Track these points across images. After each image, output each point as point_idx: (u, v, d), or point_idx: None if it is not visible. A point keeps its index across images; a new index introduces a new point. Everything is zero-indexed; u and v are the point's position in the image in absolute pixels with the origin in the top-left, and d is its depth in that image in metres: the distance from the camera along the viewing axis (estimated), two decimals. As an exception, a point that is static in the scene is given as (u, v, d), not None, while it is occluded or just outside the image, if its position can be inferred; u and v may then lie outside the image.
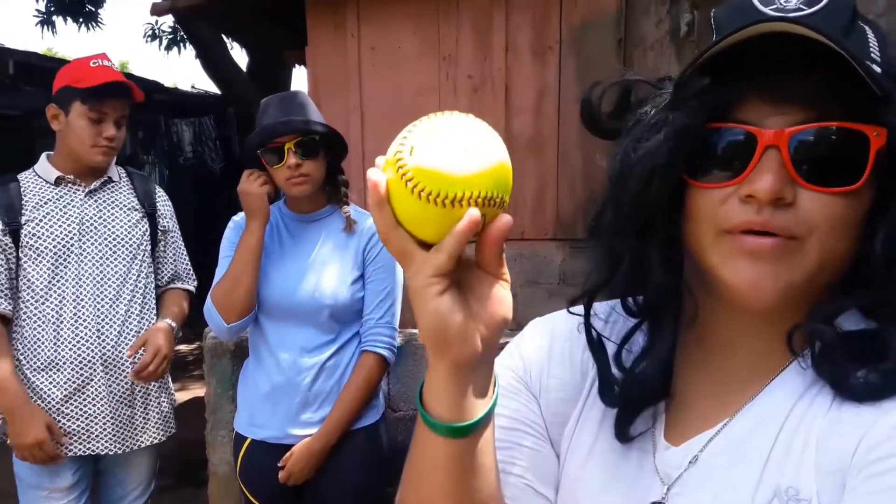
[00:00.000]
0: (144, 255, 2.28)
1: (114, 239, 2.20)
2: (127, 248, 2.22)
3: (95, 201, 2.21)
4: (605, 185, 0.69)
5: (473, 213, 0.52)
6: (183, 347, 7.16)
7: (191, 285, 2.46)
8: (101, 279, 2.15)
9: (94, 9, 9.49)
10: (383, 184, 0.54)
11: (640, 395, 0.69)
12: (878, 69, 0.59)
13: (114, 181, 2.27)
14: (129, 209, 2.27)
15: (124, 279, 2.19)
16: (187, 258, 2.46)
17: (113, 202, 2.24)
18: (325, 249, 1.94)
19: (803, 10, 0.61)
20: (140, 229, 2.28)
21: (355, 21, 3.47)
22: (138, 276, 2.24)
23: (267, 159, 1.87)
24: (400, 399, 2.48)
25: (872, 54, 0.61)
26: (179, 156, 7.09)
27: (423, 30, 3.43)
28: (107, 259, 2.17)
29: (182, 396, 5.80)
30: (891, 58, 0.63)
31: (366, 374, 1.87)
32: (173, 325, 2.23)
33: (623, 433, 0.70)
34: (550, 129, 3.38)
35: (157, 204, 2.37)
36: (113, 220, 2.22)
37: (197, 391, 5.62)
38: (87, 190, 2.18)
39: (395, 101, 3.47)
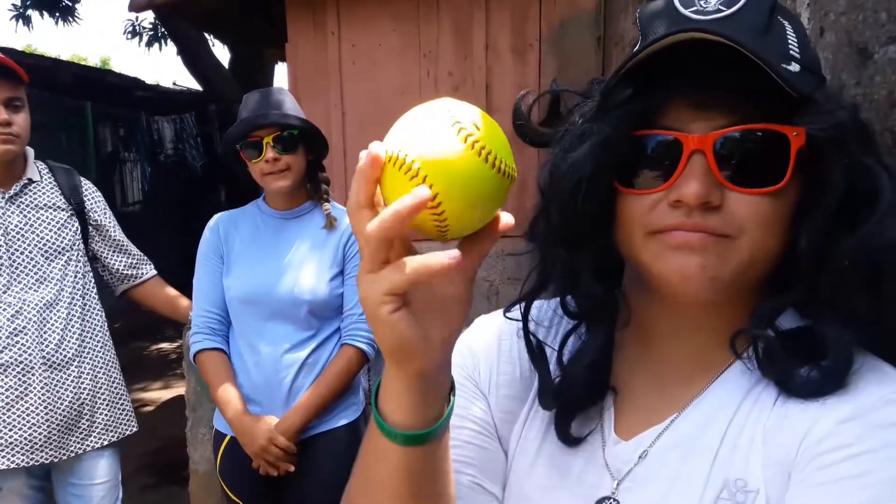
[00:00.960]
0: (79, 254, 2.19)
1: (44, 244, 2.11)
2: (59, 251, 2.13)
3: (18, 206, 2.09)
4: (536, 194, 0.71)
5: (422, 191, 0.48)
6: (165, 345, 7.13)
7: (153, 270, 2.42)
8: (37, 285, 2.07)
9: (70, 3, 9.41)
10: (383, 156, 0.51)
11: (575, 397, 0.70)
12: (796, 66, 0.61)
13: (34, 181, 2.14)
14: (55, 209, 2.16)
15: (61, 282, 2.11)
16: (133, 246, 2.39)
17: (37, 204, 2.12)
18: (304, 246, 1.94)
19: (722, 10, 0.62)
20: (70, 229, 2.18)
21: (335, 18, 3.47)
22: (75, 276, 2.16)
23: (246, 153, 1.88)
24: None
25: (791, 51, 0.62)
26: (161, 153, 7.05)
27: (403, 27, 3.43)
28: (40, 265, 2.08)
29: (164, 395, 5.78)
30: (811, 52, 0.64)
31: (344, 364, 1.89)
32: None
33: (565, 435, 0.70)
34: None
35: (85, 199, 2.25)
36: (40, 225, 2.12)
37: (179, 389, 5.59)
38: (7, 196, 2.07)
39: (376, 98, 3.47)
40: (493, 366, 0.77)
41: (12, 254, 2.05)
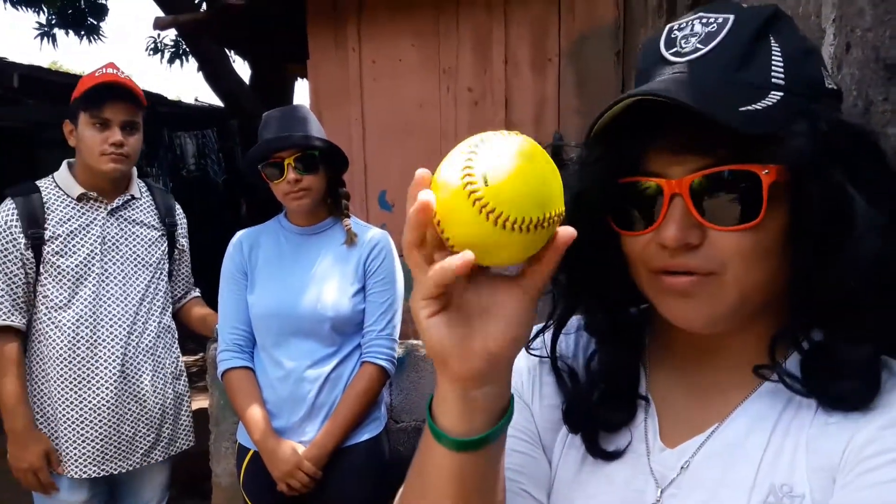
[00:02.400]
0: (162, 273, 2.27)
1: (135, 259, 2.19)
2: (146, 268, 2.21)
3: (117, 220, 2.18)
4: None
5: (467, 255, 0.51)
6: (187, 359, 7.17)
7: (198, 292, 2.49)
8: (122, 298, 2.14)
9: (95, 21, 9.57)
10: (433, 203, 0.52)
11: (604, 417, 0.73)
12: (775, 95, 0.62)
13: (136, 198, 2.24)
14: (149, 227, 2.25)
15: (143, 298, 2.19)
16: (191, 272, 2.48)
17: (134, 220, 2.22)
18: (326, 262, 1.95)
19: (700, 49, 0.64)
20: (160, 248, 2.27)
21: (356, 35, 3.51)
22: (156, 293, 2.23)
23: (267, 174, 1.89)
24: (402, 410, 2.49)
25: (774, 77, 0.63)
26: (183, 168, 7.13)
27: (423, 43, 3.46)
28: (128, 278, 2.16)
29: (185, 408, 5.81)
30: (806, 71, 0.65)
31: (365, 384, 1.89)
32: None
33: (599, 453, 0.72)
34: (550, 140, 3.40)
35: (177, 222, 2.35)
36: (134, 240, 2.21)
37: (201, 402, 5.63)
38: (109, 208, 2.16)
39: (396, 113, 3.50)
40: (536, 376, 0.79)
41: (105, 263, 2.13)
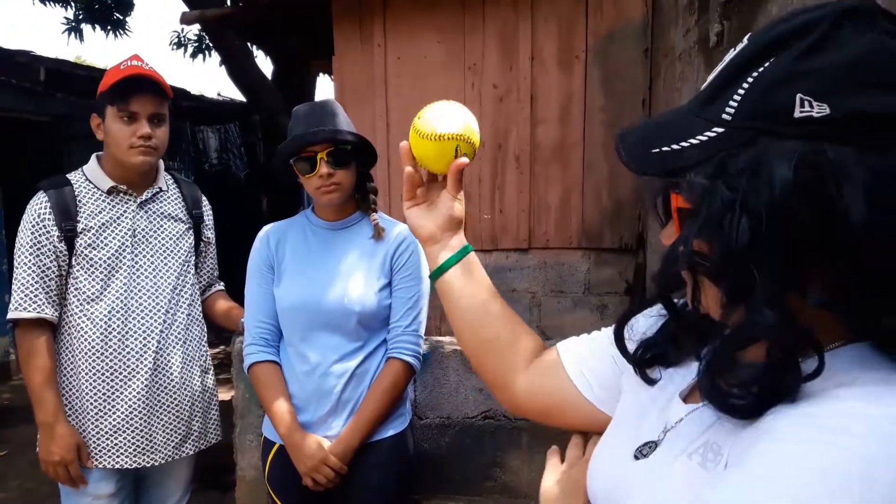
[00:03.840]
0: (189, 265, 2.28)
1: (164, 251, 2.20)
2: (175, 260, 2.22)
3: (146, 213, 2.19)
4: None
5: (403, 145, 1.04)
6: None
7: (222, 285, 2.50)
8: (153, 290, 2.15)
9: (121, 17, 9.65)
10: (406, 145, 1.03)
11: (660, 356, 0.89)
12: (715, 131, 0.66)
13: (163, 191, 2.25)
14: (177, 220, 2.26)
15: (172, 290, 2.19)
16: (217, 265, 2.49)
17: (163, 213, 2.23)
18: (353, 257, 1.94)
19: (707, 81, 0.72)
20: (187, 241, 2.28)
21: (381, 31, 3.50)
22: (184, 286, 2.24)
23: (299, 168, 1.87)
24: (426, 407, 2.48)
25: (725, 114, 0.65)
26: (205, 162, 7.16)
27: (448, 40, 3.45)
28: (158, 270, 2.17)
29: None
30: (759, 105, 0.63)
31: (391, 379, 1.89)
32: None
33: (643, 376, 0.89)
34: (576, 138, 3.39)
35: (204, 214, 2.36)
36: (163, 233, 2.21)
37: (222, 395, 5.65)
38: (139, 201, 2.17)
39: (421, 109, 3.49)
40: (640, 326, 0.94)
41: (136, 256, 2.14)
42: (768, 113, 0.62)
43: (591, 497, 0.88)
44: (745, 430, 0.66)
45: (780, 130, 0.62)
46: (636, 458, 0.80)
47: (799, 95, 0.60)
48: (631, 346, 0.90)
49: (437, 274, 1.06)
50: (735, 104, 0.64)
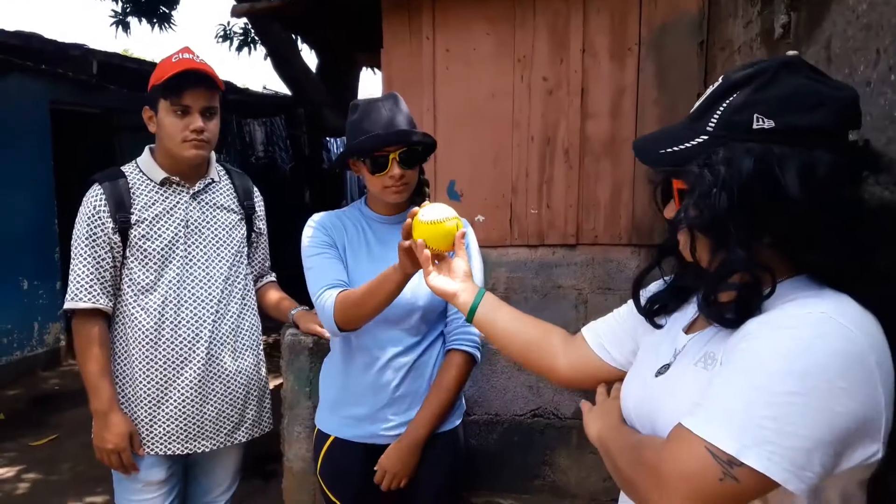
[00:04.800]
0: (242, 256, 2.29)
1: (216, 242, 2.22)
2: (228, 250, 2.24)
3: (199, 203, 2.21)
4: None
5: (419, 242, 1.48)
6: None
7: (273, 276, 2.51)
8: (205, 280, 2.18)
9: (167, 10, 9.78)
10: (421, 241, 1.48)
11: (664, 307, 1.26)
12: (701, 138, 1.02)
13: (215, 182, 2.27)
14: (229, 210, 2.28)
15: (225, 280, 2.21)
16: (268, 256, 2.50)
17: (215, 204, 2.25)
18: None
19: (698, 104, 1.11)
20: (239, 231, 2.29)
21: (430, 23, 3.48)
22: (237, 276, 2.26)
23: (369, 166, 1.85)
24: (474, 403, 2.46)
25: (708, 126, 1.02)
26: (251, 155, 7.24)
27: (498, 32, 3.41)
28: (210, 261, 2.19)
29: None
30: (730, 121, 0.99)
31: (456, 371, 1.87)
32: (306, 308, 2.41)
33: (652, 324, 1.26)
34: (628, 132, 3.32)
35: (256, 205, 2.37)
36: (215, 224, 2.23)
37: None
38: (191, 192, 2.19)
39: (469, 102, 3.46)
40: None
41: (189, 246, 2.16)
42: (736, 126, 0.98)
43: (625, 414, 1.19)
44: (730, 337, 0.99)
45: (743, 137, 0.97)
46: (656, 376, 1.13)
47: (755, 115, 0.96)
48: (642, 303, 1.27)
49: (471, 314, 1.43)
50: (715, 120, 1.01)
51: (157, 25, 9.91)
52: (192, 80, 2.08)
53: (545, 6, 3.34)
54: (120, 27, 9.99)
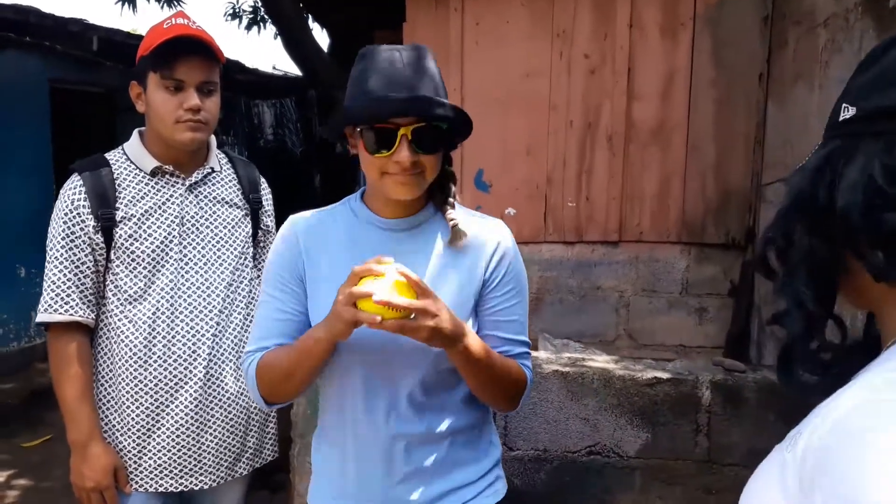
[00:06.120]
0: (247, 258, 1.96)
1: (217, 242, 1.89)
2: (231, 252, 1.91)
3: (197, 197, 1.88)
4: None
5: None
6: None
7: None
8: (204, 288, 1.86)
9: (177, -13, 9.46)
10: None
11: None
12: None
13: (216, 172, 1.94)
14: (231, 205, 1.94)
15: (227, 288, 1.89)
16: None
17: (215, 197, 1.92)
18: (431, 269, 1.37)
19: None
20: (244, 230, 1.96)
21: (459, -5, 3.13)
22: (241, 282, 1.93)
23: (367, 141, 1.27)
24: (517, 436, 2.12)
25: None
26: (260, 137, 6.92)
27: (534, 3, 3.06)
28: (210, 265, 1.87)
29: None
30: None
31: (514, 364, 1.38)
32: None
33: None
34: (679, 116, 2.98)
35: (263, 199, 2.04)
36: (216, 221, 1.90)
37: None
38: (187, 184, 1.86)
39: (500, 83, 3.12)
40: None
41: (184, 248, 1.84)
42: (830, 123, 0.76)
43: None
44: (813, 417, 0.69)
45: (830, 135, 0.75)
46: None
47: (843, 104, 0.73)
48: None
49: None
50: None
51: (165, 3, 9.61)
52: (186, 49, 1.75)
53: (589, -26, 2.99)
54: (126, 4, 9.71)
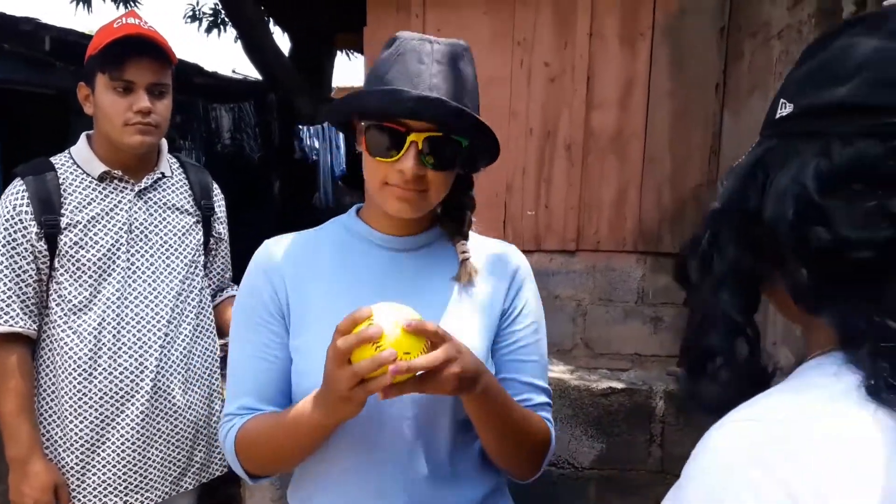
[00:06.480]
0: (198, 266, 1.91)
1: (167, 250, 1.84)
2: (180, 261, 1.86)
3: (146, 203, 1.82)
4: None
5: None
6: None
7: (235, 290, 2.13)
8: (153, 297, 1.80)
9: (132, -14, 9.30)
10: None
11: None
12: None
13: (166, 177, 1.89)
14: (182, 212, 1.89)
15: (176, 298, 1.84)
16: (230, 266, 2.11)
17: (165, 203, 1.86)
18: (440, 299, 1.17)
19: None
20: (195, 237, 1.91)
21: (420, 0, 3.11)
22: (191, 292, 1.88)
23: (372, 140, 1.08)
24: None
25: None
26: (217, 142, 6.79)
27: (496, 11, 3.05)
28: (159, 274, 1.81)
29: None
30: None
31: (536, 417, 1.17)
32: None
33: None
34: (637, 126, 3.00)
35: (215, 206, 1.99)
36: (166, 228, 1.85)
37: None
38: (136, 190, 1.81)
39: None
40: None
41: (131, 256, 1.78)
42: (767, 120, 0.72)
43: None
44: None
45: (766, 133, 0.71)
46: None
47: (781, 99, 0.69)
48: None
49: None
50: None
51: (122, 3, 9.42)
52: (136, 49, 1.70)
53: (549, -17, 3.00)
54: (81, 3, 9.49)
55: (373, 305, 0.95)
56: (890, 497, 0.51)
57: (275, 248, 1.21)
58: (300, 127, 6.92)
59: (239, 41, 7.25)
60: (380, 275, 1.17)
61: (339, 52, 8.34)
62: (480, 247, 1.24)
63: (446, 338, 0.95)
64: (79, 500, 1.77)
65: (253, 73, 8.02)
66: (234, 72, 8.85)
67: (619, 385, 2.06)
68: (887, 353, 0.56)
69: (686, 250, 0.73)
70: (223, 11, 8.65)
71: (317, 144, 7.05)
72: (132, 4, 9.41)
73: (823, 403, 0.57)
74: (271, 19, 7.16)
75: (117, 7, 9.45)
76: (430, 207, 1.15)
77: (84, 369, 1.73)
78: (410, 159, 1.05)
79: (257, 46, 6.91)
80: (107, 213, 1.76)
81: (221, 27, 9.81)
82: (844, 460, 0.52)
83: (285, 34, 8.03)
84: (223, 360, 1.91)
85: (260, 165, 7.23)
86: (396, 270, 1.18)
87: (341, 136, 6.95)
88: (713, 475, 0.56)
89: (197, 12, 9.98)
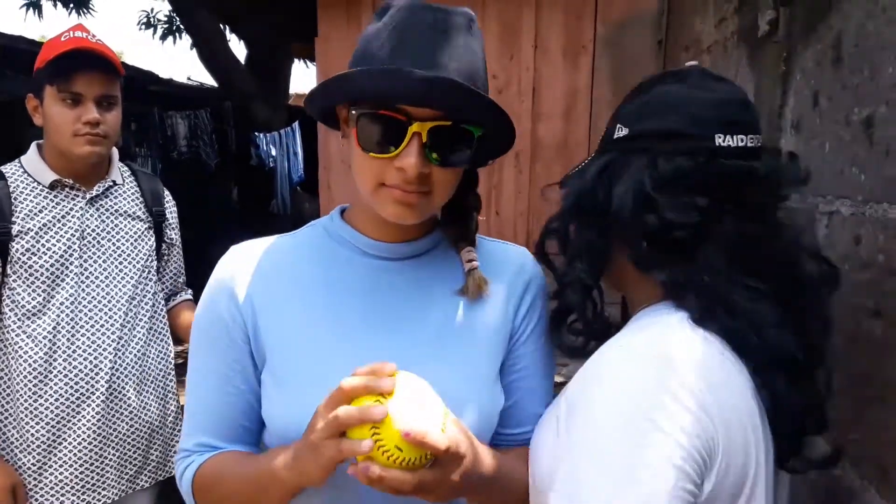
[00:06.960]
0: (150, 271, 1.97)
1: (119, 256, 1.89)
2: (133, 266, 1.91)
3: (98, 210, 1.87)
4: None
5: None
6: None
7: (189, 294, 2.19)
8: (106, 302, 1.85)
9: (85, -6, 9.18)
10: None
11: None
12: None
13: (117, 185, 1.94)
14: (134, 218, 1.95)
15: (130, 301, 1.89)
16: (184, 271, 2.17)
17: (117, 210, 1.91)
18: (440, 317, 1.01)
19: None
20: (147, 243, 1.96)
21: (371, 11, 3.20)
22: (144, 296, 1.94)
23: (364, 132, 0.89)
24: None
25: None
26: (174, 149, 6.76)
27: (444, 24, 3.16)
28: (112, 279, 1.86)
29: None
30: None
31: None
32: None
33: None
34: (581, 134, 3.13)
35: (166, 212, 2.04)
36: (118, 234, 1.90)
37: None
38: (88, 197, 1.85)
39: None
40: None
41: (84, 261, 1.83)
42: (606, 138, 0.98)
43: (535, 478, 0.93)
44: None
45: (605, 148, 0.96)
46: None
47: (618, 124, 0.95)
48: None
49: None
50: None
51: (74, 10, 9.29)
52: (84, 62, 1.75)
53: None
54: (31, 9, 9.34)
55: (399, 372, 0.78)
56: (727, 384, 0.77)
57: (240, 257, 1.02)
58: (256, 134, 6.93)
59: (194, 49, 7.23)
60: (369, 289, 0.99)
61: (296, 60, 8.37)
62: (486, 252, 1.07)
63: (450, 451, 0.77)
64: (36, 499, 1.81)
65: (209, 80, 8.00)
66: (189, 79, 8.81)
67: (559, 379, 2.17)
68: (703, 296, 0.81)
69: (545, 234, 0.98)
70: (178, 19, 8.61)
71: (273, 151, 7.06)
72: (85, 10, 9.29)
73: (670, 331, 0.80)
74: (226, 27, 7.16)
75: (69, 14, 9.33)
76: (434, 211, 0.98)
77: (39, 372, 1.78)
78: (413, 155, 0.86)
79: (213, 54, 6.90)
80: (58, 220, 1.81)
81: (177, 34, 9.72)
82: (699, 365, 0.76)
83: (241, 41, 8.02)
84: (179, 366, 1.97)
85: (217, 172, 7.22)
86: (388, 283, 1.00)
87: (298, 142, 6.98)
88: (625, 399, 0.74)
89: (151, 19, 9.88)
